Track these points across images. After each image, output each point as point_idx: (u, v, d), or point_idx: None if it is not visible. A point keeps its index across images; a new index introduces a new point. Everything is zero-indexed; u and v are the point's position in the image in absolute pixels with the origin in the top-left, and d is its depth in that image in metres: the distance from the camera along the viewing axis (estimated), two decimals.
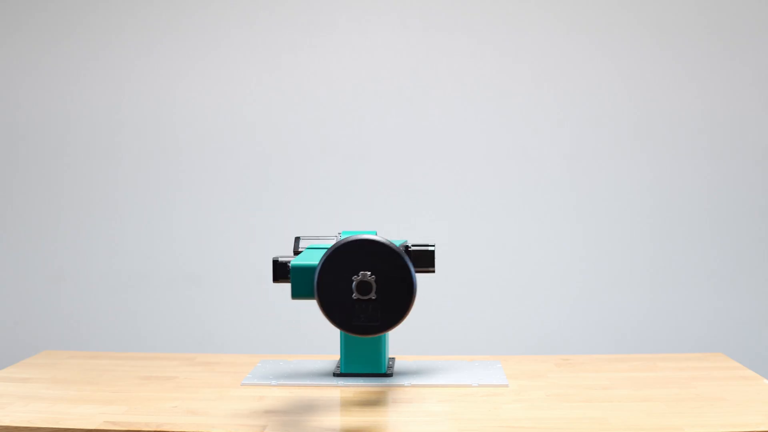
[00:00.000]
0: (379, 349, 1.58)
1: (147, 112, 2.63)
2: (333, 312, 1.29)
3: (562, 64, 2.56)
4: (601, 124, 2.57)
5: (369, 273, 1.27)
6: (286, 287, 2.60)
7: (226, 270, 2.62)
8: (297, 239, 1.63)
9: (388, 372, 1.58)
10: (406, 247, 1.59)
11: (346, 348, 1.58)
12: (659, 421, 1.30)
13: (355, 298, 1.27)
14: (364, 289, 1.26)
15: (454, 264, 2.57)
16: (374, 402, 1.43)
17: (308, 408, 1.39)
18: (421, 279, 2.56)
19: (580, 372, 1.62)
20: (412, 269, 1.28)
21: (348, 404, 1.42)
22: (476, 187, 2.59)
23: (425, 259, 1.58)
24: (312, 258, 1.44)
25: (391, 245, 1.27)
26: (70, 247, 2.64)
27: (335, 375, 1.58)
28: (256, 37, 2.60)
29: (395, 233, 2.53)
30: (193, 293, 2.63)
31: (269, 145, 2.61)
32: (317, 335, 2.52)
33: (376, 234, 1.59)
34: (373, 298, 1.26)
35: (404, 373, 1.59)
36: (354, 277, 1.27)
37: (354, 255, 1.28)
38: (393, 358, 1.70)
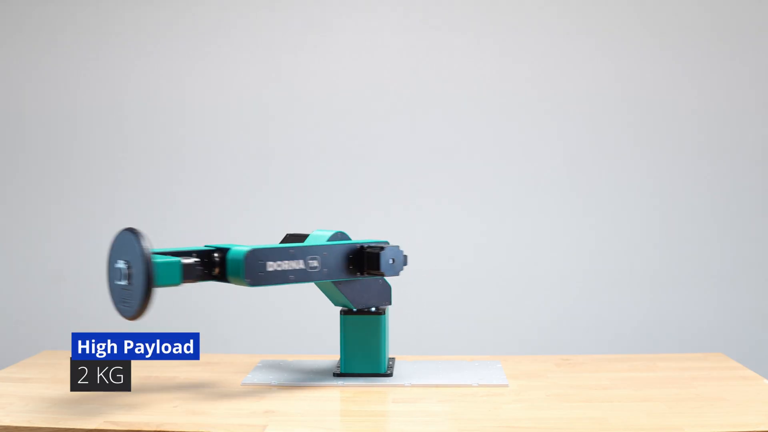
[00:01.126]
0: (379, 349, 1.58)
1: (147, 112, 2.62)
2: (113, 298, 1.40)
3: (563, 64, 2.56)
4: (600, 124, 2.57)
5: (123, 261, 1.36)
6: (287, 289, 2.60)
7: None
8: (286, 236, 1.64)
9: (388, 372, 1.58)
10: (362, 246, 1.56)
11: (346, 348, 1.58)
12: (659, 421, 1.30)
13: (117, 284, 1.38)
14: (119, 275, 1.37)
15: (455, 264, 2.57)
16: (374, 402, 1.43)
17: (308, 408, 1.39)
18: (420, 279, 2.57)
19: (580, 372, 1.62)
20: (151, 260, 1.32)
21: (348, 404, 1.43)
22: (476, 187, 2.59)
23: (372, 262, 1.53)
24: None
25: (137, 237, 1.34)
26: (70, 247, 2.64)
27: (335, 375, 1.58)
28: (256, 37, 2.60)
29: (396, 232, 2.53)
30: (193, 293, 2.63)
31: (270, 145, 2.61)
32: (317, 335, 2.52)
33: (337, 232, 1.58)
34: (127, 283, 1.36)
35: (404, 373, 1.59)
36: (114, 265, 1.38)
37: (122, 246, 1.38)
38: (393, 358, 1.70)
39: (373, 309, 1.59)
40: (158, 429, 1.27)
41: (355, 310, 1.58)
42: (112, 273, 1.38)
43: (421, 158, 2.59)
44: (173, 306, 2.63)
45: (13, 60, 2.65)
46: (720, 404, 1.38)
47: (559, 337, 2.57)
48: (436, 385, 1.52)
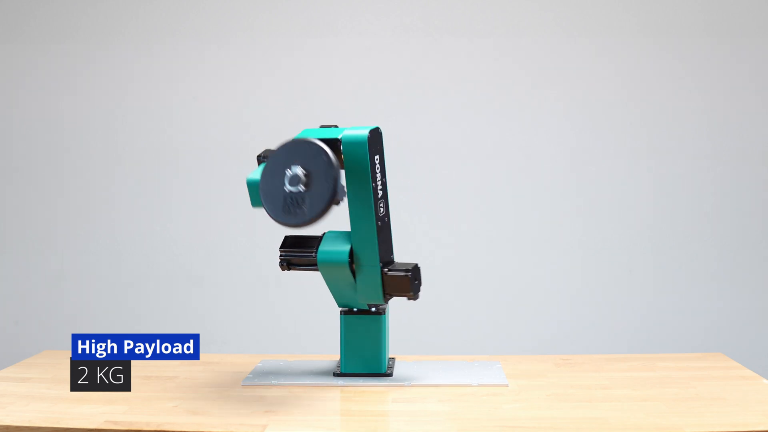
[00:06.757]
0: (379, 349, 1.58)
1: (147, 111, 2.62)
2: (269, 205, 1.42)
3: (563, 65, 2.56)
4: (601, 124, 2.57)
5: (300, 168, 1.39)
6: (287, 289, 2.60)
7: (226, 270, 2.63)
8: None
9: (388, 372, 1.58)
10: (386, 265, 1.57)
11: (346, 348, 1.58)
12: (659, 421, 1.30)
13: (287, 190, 1.39)
14: (293, 181, 1.39)
15: (454, 264, 2.57)
16: (374, 402, 1.43)
17: (308, 408, 1.39)
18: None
19: (580, 372, 1.62)
20: (336, 165, 1.38)
21: (348, 404, 1.43)
22: (476, 187, 2.59)
23: (400, 285, 1.54)
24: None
25: (319, 144, 1.40)
26: (70, 247, 2.64)
27: (335, 375, 1.58)
28: (255, 37, 2.60)
29: (395, 232, 2.52)
30: (193, 293, 2.63)
31: (269, 145, 2.60)
32: (317, 335, 2.53)
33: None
34: (302, 190, 1.39)
35: (404, 373, 1.60)
36: (287, 171, 1.40)
37: (289, 155, 1.42)
38: (393, 358, 1.70)
39: (373, 309, 1.59)
40: (158, 429, 1.27)
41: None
42: (276, 180, 1.41)
43: (421, 158, 2.59)
44: (173, 306, 2.64)
45: (13, 60, 2.65)
46: (719, 404, 1.38)
47: (559, 337, 2.57)
48: (436, 385, 1.52)
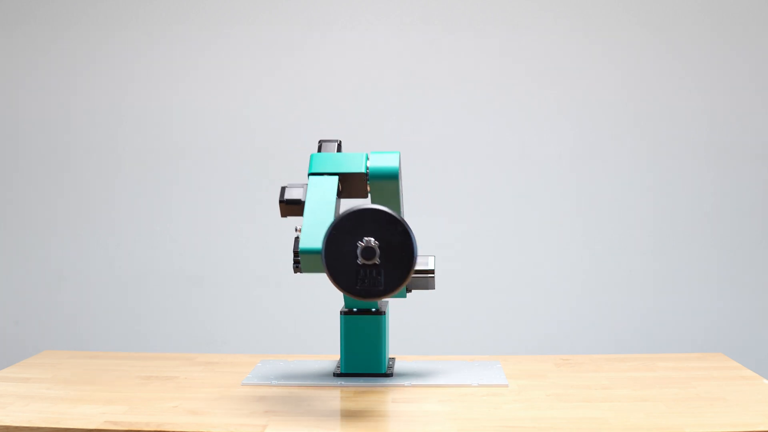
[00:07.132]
0: (379, 349, 1.58)
1: (147, 111, 2.63)
2: (339, 278, 1.32)
3: (563, 64, 2.56)
4: (601, 123, 2.57)
5: (372, 239, 1.30)
6: (287, 289, 2.60)
7: (226, 270, 2.63)
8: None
9: (388, 372, 1.58)
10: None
11: (346, 348, 1.58)
12: (659, 421, 1.30)
13: (360, 263, 1.30)
14: (368, 254, 1.29)
15: (454, 264, 2.57)
16: (374, 402, 1.43)
17: (308, 408, 1.39)
18: None
19: (580, 372, 1.62)
20: (413, 235, 1.31)
21: (348, 404, 1.43)
22: (476, 187, 2.59)
23: (424, 283, 1.61)
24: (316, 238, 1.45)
25: (392, 212, 1.32)
26: (70, 247, 2.65)
27: (335, 375, 1.58)
28: (255, 36, 2.60)
29: None
30: (193, 293, 2.63)
31: (269, 145, 2.61)
32: (317, 335, 2.53)
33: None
34: (377, 263, 1.30)
35: (404, 373, 1.59)
36: (359, 243, 1.30)
37: (357, 224, 1.32)
38: (393, 358, 1.70)
39: (373, 309, 1.59)
40: (159, 429, 1.27)
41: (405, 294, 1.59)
42: (346, 251, 1.31)
43: (421, 158, 2.59)
44: (173, 306, 2.64)
45: (13, 60, 2.65)
46: (719, 404, 1.38)
47: (559, 337, 2.57)
48: (436, 385, 1.52)
